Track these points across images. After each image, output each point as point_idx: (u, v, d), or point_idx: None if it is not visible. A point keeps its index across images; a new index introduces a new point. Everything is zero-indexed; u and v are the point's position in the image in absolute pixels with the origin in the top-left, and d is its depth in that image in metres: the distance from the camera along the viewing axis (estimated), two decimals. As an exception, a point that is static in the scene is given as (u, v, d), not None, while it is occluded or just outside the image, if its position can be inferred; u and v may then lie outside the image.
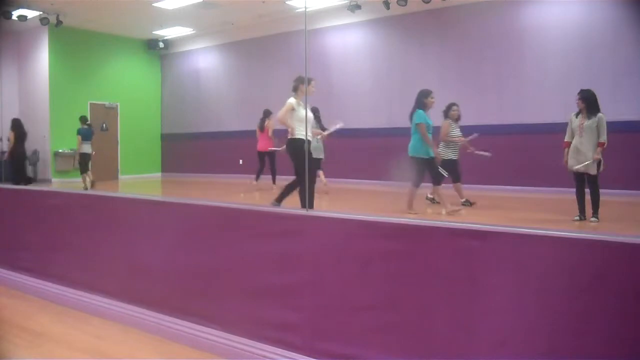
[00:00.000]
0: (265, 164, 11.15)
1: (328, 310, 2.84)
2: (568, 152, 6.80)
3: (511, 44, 10.50)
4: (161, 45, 15.72)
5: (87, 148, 11.59)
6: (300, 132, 6.46)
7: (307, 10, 12.16)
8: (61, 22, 12.89)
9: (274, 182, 10.95)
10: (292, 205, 6.30)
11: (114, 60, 15.43)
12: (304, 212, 3.05)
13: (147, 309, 3.65)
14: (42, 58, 14.23)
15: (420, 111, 7.37)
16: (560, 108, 9.24)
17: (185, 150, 15.74)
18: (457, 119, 8.33)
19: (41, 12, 12.44)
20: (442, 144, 8.16)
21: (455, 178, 8.19)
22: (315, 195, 7.88)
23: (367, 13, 11.92)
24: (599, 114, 6.57)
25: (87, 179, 11.47)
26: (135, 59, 16.00)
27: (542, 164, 9.41)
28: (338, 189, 11.31)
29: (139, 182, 14.79)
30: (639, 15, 9.24)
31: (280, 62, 13.49)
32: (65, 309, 4.12)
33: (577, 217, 6.75)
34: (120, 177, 15.31)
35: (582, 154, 6.58)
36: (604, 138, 6.52)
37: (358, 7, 11.67)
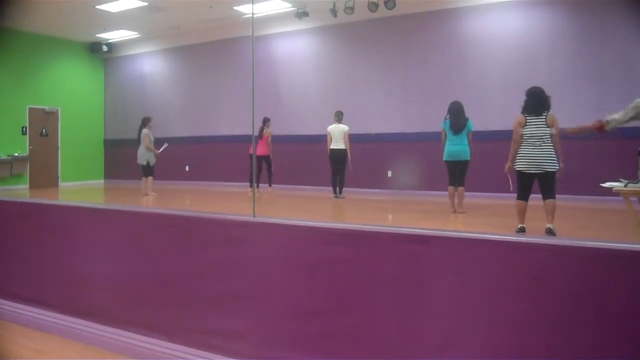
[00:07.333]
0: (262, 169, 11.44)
1: (275, 318, 2.83)
2: None
3: (453, 53, 10.75)
4: (105, 48, 15.29)
5: None
6: None
7: (254, 16, 12.12)
8: (-3, 23, 12.38)
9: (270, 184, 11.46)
10: (239, 211, 6.25)
11: (55, 64, 14.86)
12: (250, 218, 3.03)
13: (89, 321, 3.55)
14: (-23, 61, 13.58)
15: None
16: (501, 115, 9.55)
17: (130, 157, 15.31)
18: None
19: (-24, 13, 11.92)
20: None
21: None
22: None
23: (314, 20, 12.00)
24: None
25: None
26: (77, 62, 15.48)
27: (483, 171, 9.58)
28: (285, 195, 11.29)
29: (81, 189, 14.30)
30: (574, 25, 9.66)
31: (227, 68, 13.38)
32: (4, 323, 3.95)
33: None
34: (61, 184, 14.78)
35: None
36: None
37: (305, 14, 11.73)
